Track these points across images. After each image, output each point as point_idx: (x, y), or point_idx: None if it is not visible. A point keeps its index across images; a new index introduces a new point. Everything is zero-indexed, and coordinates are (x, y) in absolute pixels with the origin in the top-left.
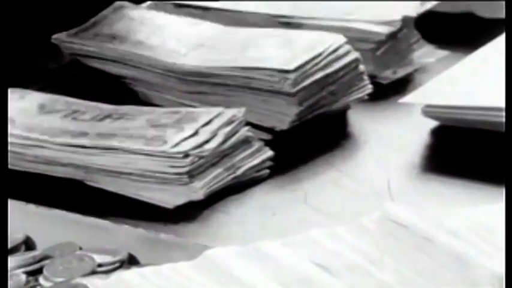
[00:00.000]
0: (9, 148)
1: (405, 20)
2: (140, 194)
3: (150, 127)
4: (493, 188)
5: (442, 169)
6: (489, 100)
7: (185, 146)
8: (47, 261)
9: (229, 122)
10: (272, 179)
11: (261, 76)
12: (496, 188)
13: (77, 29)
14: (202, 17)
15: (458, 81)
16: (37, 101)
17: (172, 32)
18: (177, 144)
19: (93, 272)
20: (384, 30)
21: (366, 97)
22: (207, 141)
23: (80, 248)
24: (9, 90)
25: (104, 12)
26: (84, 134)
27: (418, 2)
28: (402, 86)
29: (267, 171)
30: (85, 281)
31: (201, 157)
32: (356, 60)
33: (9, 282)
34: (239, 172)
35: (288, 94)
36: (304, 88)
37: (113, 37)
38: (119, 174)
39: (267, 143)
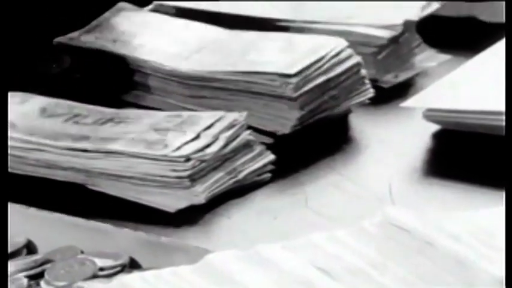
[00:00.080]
0: (10, 152)
1: (407, 24)
2: (141, 198)
3: (152, 131)
4: (493, 191)
5: (443, 173)
6: (490, 104)
7: (187, 150)
8: (48, 265)
9: (230, 126)
10: (273, 182)
11: (263, 80)
12: (496, 191)
13: (78, 32)
14: (204, 21)
15: (460, 86)
16: (38, 105)
17: (174, 36)
18: (178, 148)
19: (95, 276)
20: (386, 34)
21: (368, 101)
22: (208, 145)
23: (82, 252)
24: (11, 94)
25: (106, 15)
26: (85, 138)
27: (420, 6)
28: (404, 90)
29: (269, 175)
30: (86, 285)
31: (202, 161)
32: (358, 65)
33: (11, 286)
34: (240, 176)
35: (290, 98)
36: (305, 92)
37: (115, 40)
38: (121, 178)
39: (269, 147)
